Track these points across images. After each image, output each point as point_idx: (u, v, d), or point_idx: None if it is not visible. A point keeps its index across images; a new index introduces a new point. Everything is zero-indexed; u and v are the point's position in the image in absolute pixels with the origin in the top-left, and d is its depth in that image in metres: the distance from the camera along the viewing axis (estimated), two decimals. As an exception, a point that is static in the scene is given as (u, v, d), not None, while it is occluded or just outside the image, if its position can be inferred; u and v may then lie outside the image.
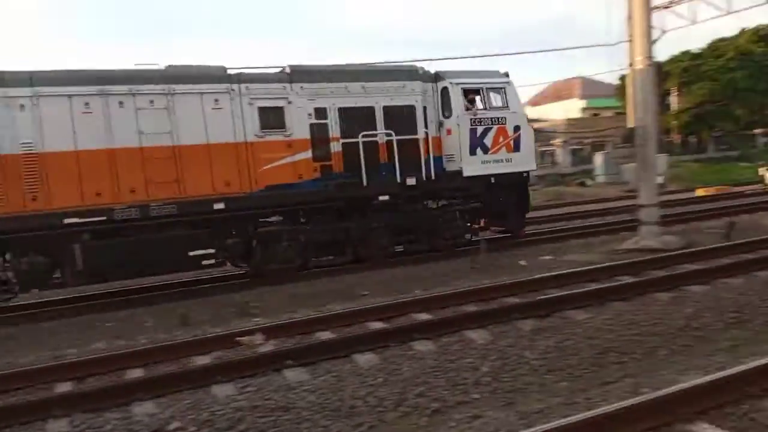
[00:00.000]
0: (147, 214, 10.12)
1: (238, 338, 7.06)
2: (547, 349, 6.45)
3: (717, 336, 6.85)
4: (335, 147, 11.51)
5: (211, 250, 10.57)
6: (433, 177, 12.23)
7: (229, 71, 11.01)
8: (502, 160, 12.77)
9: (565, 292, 8.15)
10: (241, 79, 10.95)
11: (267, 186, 11.01)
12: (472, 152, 12.40)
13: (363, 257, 12.01)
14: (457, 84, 12.35)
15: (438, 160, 12.48)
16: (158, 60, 15.20)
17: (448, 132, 12.44)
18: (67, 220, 9.62)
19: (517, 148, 12.87)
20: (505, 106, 12.78)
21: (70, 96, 9.78)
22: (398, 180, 11.85)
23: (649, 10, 11.27)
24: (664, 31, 25.75)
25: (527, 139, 13.15)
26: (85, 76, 10.01)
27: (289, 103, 11.16)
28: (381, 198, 11.89)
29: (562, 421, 3.93)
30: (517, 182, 13.23)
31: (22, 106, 9.50)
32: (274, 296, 10.16)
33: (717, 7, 23.77)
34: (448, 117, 12.41)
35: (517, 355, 6.26)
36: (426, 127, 12.19)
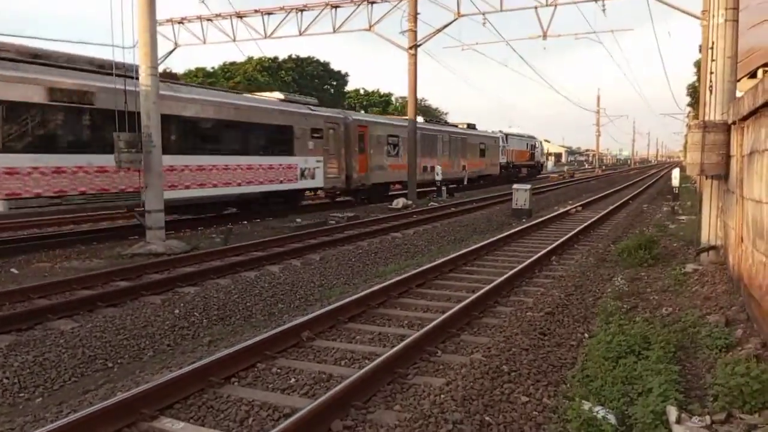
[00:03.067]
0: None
1: None
2: (24, 365, 5.89)
3: (201, 333, 7.45)
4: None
5: None
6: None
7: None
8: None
9: (51, 302, 7.61)
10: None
11: None
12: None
13: None
14: (541, 142, 57.82)
15: None
16: None
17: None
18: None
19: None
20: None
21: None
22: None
23: (154, 22, 11.44)
24: (177, 45, 27.23)
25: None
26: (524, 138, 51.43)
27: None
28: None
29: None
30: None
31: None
32: None
33: (225, 34, 26.28)
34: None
35: (-16, 377, 5.52)
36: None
